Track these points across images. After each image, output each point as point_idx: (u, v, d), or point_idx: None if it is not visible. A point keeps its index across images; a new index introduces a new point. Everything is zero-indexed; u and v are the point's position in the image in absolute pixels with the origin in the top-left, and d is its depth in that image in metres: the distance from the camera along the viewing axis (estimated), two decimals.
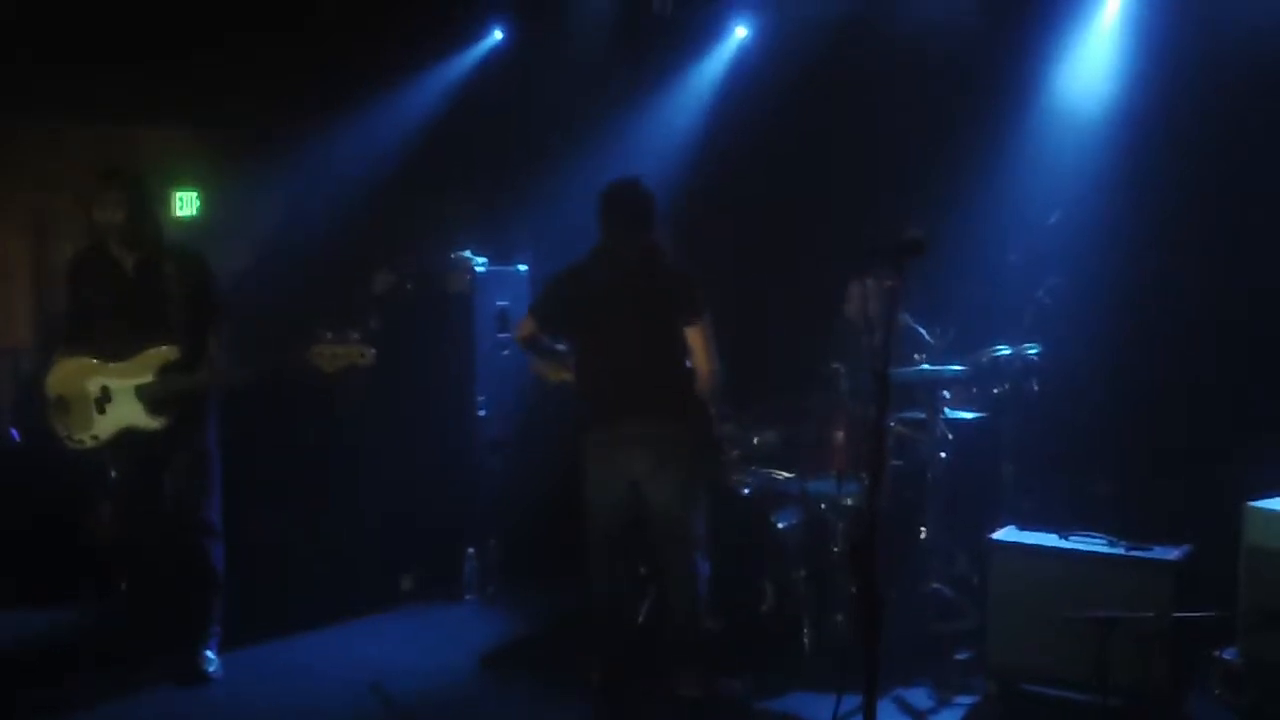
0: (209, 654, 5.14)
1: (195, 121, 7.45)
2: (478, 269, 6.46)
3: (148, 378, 4.89)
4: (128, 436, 4.96)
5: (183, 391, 4.93)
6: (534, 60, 7.27)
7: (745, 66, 6.97)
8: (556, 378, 5.01)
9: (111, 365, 4.93)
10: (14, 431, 6.72)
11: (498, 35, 7.45)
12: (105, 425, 4.96)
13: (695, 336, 4.75)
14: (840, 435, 5.33)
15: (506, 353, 6.57)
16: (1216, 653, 4.45)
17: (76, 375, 4.98)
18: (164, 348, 4.90)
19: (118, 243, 4.94)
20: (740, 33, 7.00)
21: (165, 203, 5.14)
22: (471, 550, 6.28)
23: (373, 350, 4.79)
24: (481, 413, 6.43)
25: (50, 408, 5.04)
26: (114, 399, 4.92)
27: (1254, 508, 4.41)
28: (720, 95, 7.01)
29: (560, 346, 5.07)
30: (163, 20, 6.79)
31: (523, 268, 6.77)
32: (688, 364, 4.80)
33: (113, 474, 5.19)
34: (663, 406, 4.76)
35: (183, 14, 6.80)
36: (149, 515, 5.13)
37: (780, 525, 5.29)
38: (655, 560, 5.05)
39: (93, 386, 4.95)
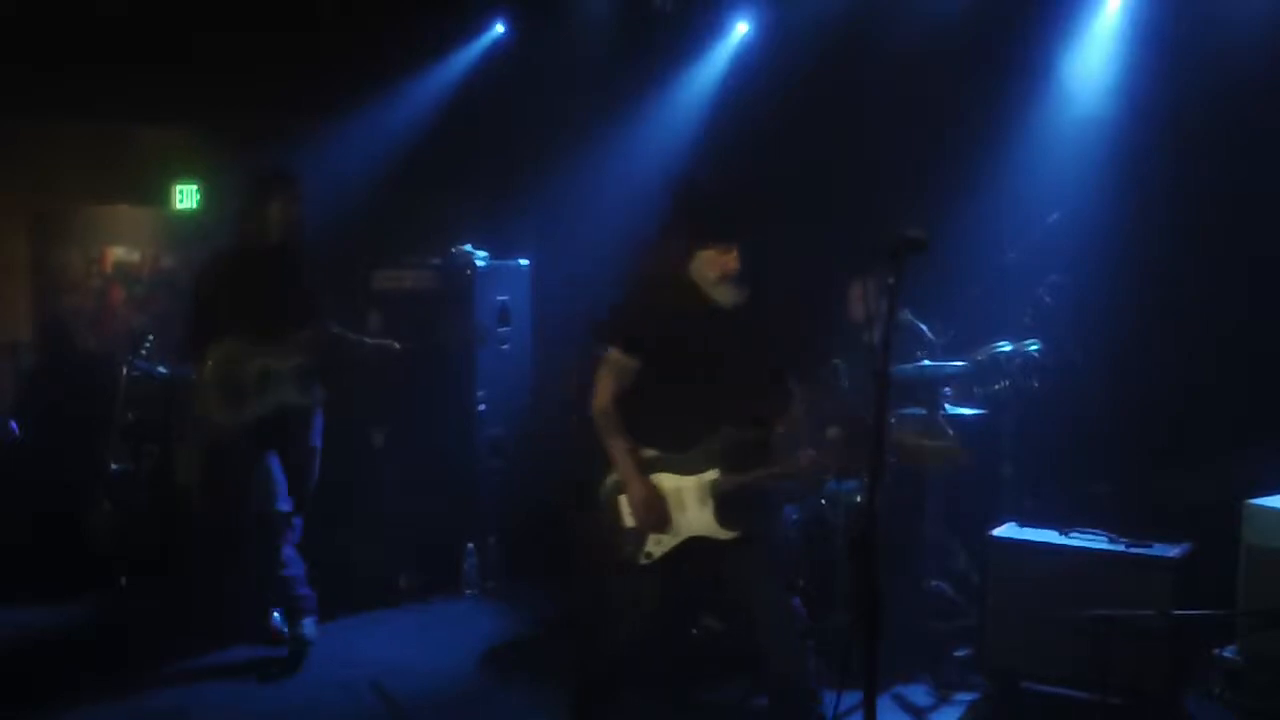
0: (304, 622, 5.37)
1: (195, 121, 7.45)
2: (478, 264, 6.46)
3: (303, 356, 5.18)
4: (279, 414, 5.21)
5: (335, 365, 5.28)
6: (535, 56, 7.27)
7: (746, 63, 6.97)
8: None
9: (270, 349, 5.16)
10: (14, 424, 6.72)
11: (498, 31, 7.45)
12: (265, 404, 5.18)
13: None
14: (840, 432, 5.31)
15: (506, 347, 6.58)
16: (1216, 651, 4.45)
17: (235, 358, 5.17)
18: (310, 329, 5.21)
19: (278, 238, 5.22)
20: (741, 29, 7.00)
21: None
22: (471, 547, 6.28)
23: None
24: (481, 408, 6.43)
25: (205, 392, 5.21)
26: (275, 380, 5.17)
27: (1254, 507, 4.41)
28: (721, 92, 7.01)
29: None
30: (163, 20, 6.79)
31: (524, 262, 6.77)
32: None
33: (240, 457, 5.29)
34: None
35: (182, 14, 6.80)
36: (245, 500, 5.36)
37: None
38: None
39: (253, 368, 5.16)
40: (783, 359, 4.07)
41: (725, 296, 4.00)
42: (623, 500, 4.05)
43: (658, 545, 4.03)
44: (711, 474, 3.98)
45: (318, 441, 5.46)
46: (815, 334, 4.17)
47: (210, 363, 5.19)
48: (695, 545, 4.02)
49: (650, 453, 4.05)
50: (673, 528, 4.01)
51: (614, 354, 4.08)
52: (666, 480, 4.02)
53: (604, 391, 4.08)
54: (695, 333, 4.00)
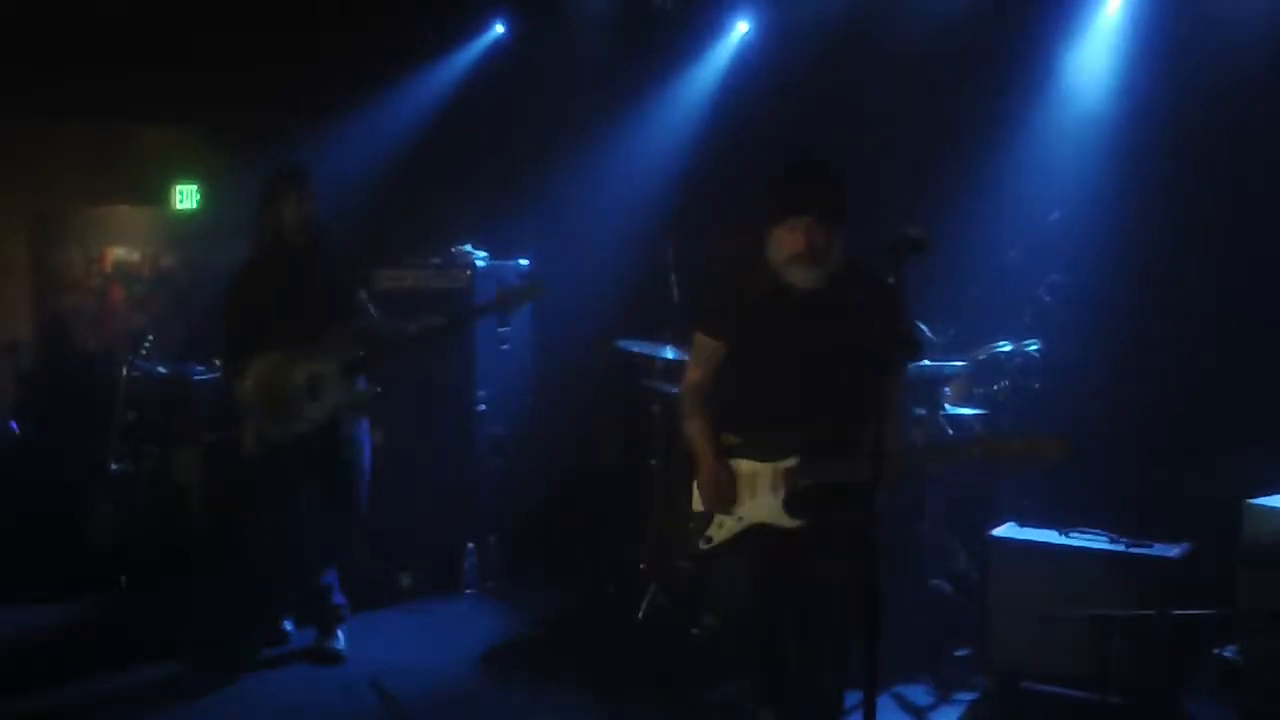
0: (339, 634, 5.38)
1: (195, 120, 7.46)
2: (478, 264, 6.46)
3: (354, 350, 5.10)
4: (332, 420, 5.14)
5: (389, 351, 5.24)
6: (535, 56, 7.27)
7: (746, 63, 6.97)
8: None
9: (310, 353, 5.07)
10: (13, 424, 6.73)
11: (498, 31, 7.46)
12: (320, 410, 5.10)
13: None
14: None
15: (506, 347, 6.57)
16: (1216, 651, 4.44)
17: (278, 371, 5.09)
18: (354, 322, 5.14)
19: (295, 238, 5.14)
20: (741, 28, 7.00)
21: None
22: (471, 546, 6.28)
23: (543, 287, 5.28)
24: (481, 408, 6.43)
25: (252, 410, 5.13)
26: (325, 383, 5.08)
27: (1254, 506, 4.40)
28: (721, 92, 7.01)
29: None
30: (163, 20, 6.80)
31: (523, 262, 6.77)
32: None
33: (287, 465, 5.21)
34: None
35: (182, 14, 6.81)
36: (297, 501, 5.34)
37: None
38: None
39: (299, 376, 5.08)
40: (868, 349, 3.70)
41: (798, 278, 3.75)
42: (695, 484, 3.99)
43: (719, 529, 3.93)
44: (790, 461, 3.82)
45: (365, 439, 5.38)
46: (905, 324, 3.85)
47: (251, 379, 5.11)
48: (760, 533, 3.87)
49: (732, 438, 3.93)
50: (737, 511, 3.90)
51: (698, 336, 4.02)
52: (744, 465, 3.91)
53: (690, 373, 4.04)
54: (772, 317, 3.82)
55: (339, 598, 5.45)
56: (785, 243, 3.73)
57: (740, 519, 3.91)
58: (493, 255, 6.59)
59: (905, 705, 4.79)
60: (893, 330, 3.71)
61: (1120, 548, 4.60)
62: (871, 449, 3.19)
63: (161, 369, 6.59)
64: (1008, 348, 5.49)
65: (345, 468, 5.28)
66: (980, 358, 5.49)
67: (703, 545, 3.97)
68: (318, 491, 5.28)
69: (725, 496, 3.90)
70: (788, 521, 3.83)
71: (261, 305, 5.16)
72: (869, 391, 3.59)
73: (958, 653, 5.09)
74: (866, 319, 3.70)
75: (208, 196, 7.86)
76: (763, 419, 3.88)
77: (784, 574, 3.89)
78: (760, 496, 3.87)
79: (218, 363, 6.78)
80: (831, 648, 3.91)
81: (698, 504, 3.98)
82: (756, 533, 3.89)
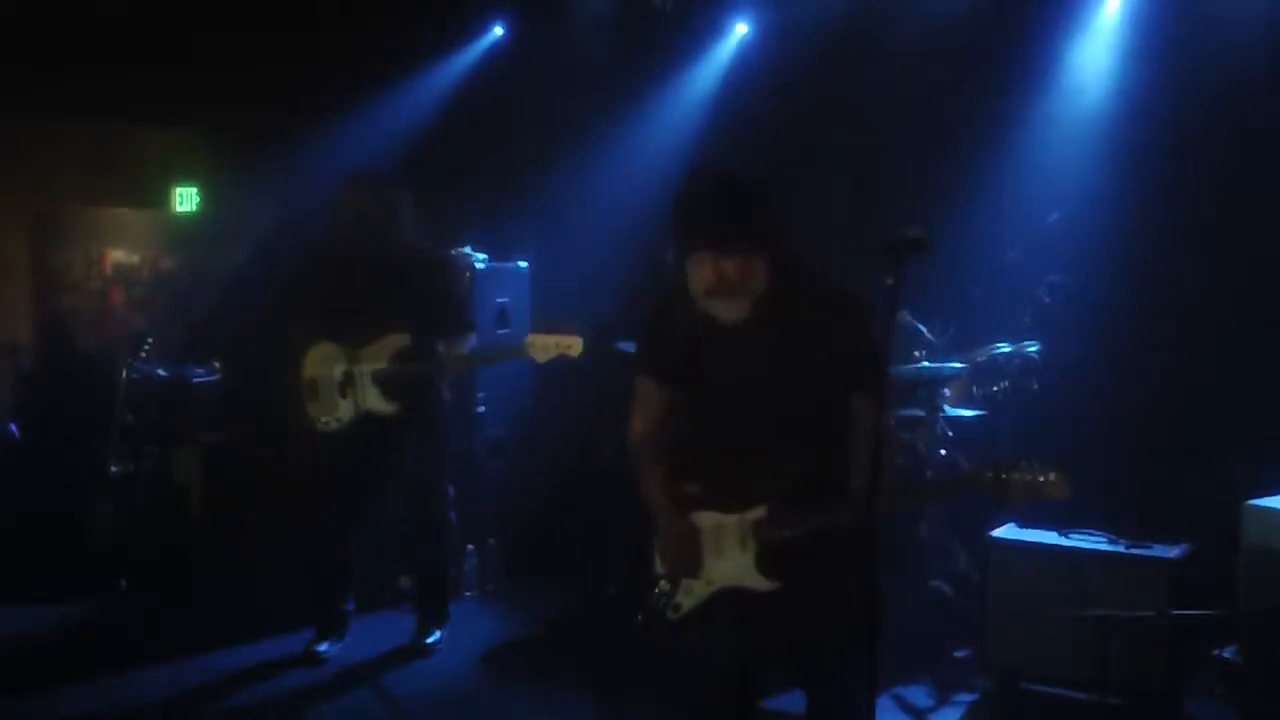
0: (436, 632, 5.48)
1: (195, 121, 7.46)
2: (478, 265, 6.46)
3: (382, 363, 5.09)
4: (365, 421, 5.14)
5: (412, 377, 5.14)
6: (534, 57, 7.28)
7: (746, 63, 6.97)
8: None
9: (354, 352, 5.12)
10: (13, 427, 6.73)
11: (498, 32, 7.46)
12: (346, 408, 5.14)
13: None
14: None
15: None
16: (1216, 652, 4.44)
17: (325, 360, 5.18)
18: (398, 335, 5.11)
19: (357, 240, 5.15)
20: (741, 29, 7.00)
21: (411, 207, 5.34)
22: (471, 548, 6.28)
23: (581, 341, 4.95)
24: (480, 410, 6.43)
25: (304, 391, 5.22)
26: (355, 383, 5.11)
27: (1254, 507, 4.40)
28: (721, 92, 7.01)
29: None
30: (163, 20, 6.80)
31: (523, 264, 6.77)
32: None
33: (338, 462, 5.26)
34: None
35: (182, 14, 6.81)
36: (357, 509, 5.40)
37: None
38: None
39: (337, 371, 5.14)
40: (830, 378, 3.33)
41: (722, 313, 3.37)
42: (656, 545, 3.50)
43: (688, 595, 3.41)
44: (758, 511, 3.32)
45: (444, 445, 5.39)
46: (868, 346, 3.32)
47: (310, 362, 5.19)
48: (733, 598, 3.36)
49: (693, 488, 3.44)
50: (704, 573, 3.38)
51: (639, 382, 3.62)
52: (707, 518, 3.39)
53: (636, 421, 3.61)
54: (705, 352, 3.43)
55: (350, 604, 5.48)
56: (696, 277, 3.37)
57: (709, 582, 3.40)
58: (493, 256, 6.59)
59: (905, 706, 4.79)
60: (845, 349, 3.33)
61: (1120, 548, 4.60)
62: (850, 487, 3.12)
63: (161, 371, 6.59)
64: (1007, 348, 5.49)
65: (388, 474, 5.32)
66: (980, 358, 5.48)
67: (671, 615, 3.44)
68: (369, 496, 5.37)
69: (688, 557, 3.40)
70: (762, 583, 3.32)
71: (319, 302, 5.23)
72: (836, 423, 3.29)
73: (957, 653, 5.09)
74: (810, 341, 3.36)
75: (208, 199, 7.86)
76: (719, 463, 3.44)
77: (769, 641, 3.41)
78: (727, 555, 3.37)
79: (217, 365, 6.79)
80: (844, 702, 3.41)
81: (659, 566, 3.48)
82: (731, 596, 3.37)
